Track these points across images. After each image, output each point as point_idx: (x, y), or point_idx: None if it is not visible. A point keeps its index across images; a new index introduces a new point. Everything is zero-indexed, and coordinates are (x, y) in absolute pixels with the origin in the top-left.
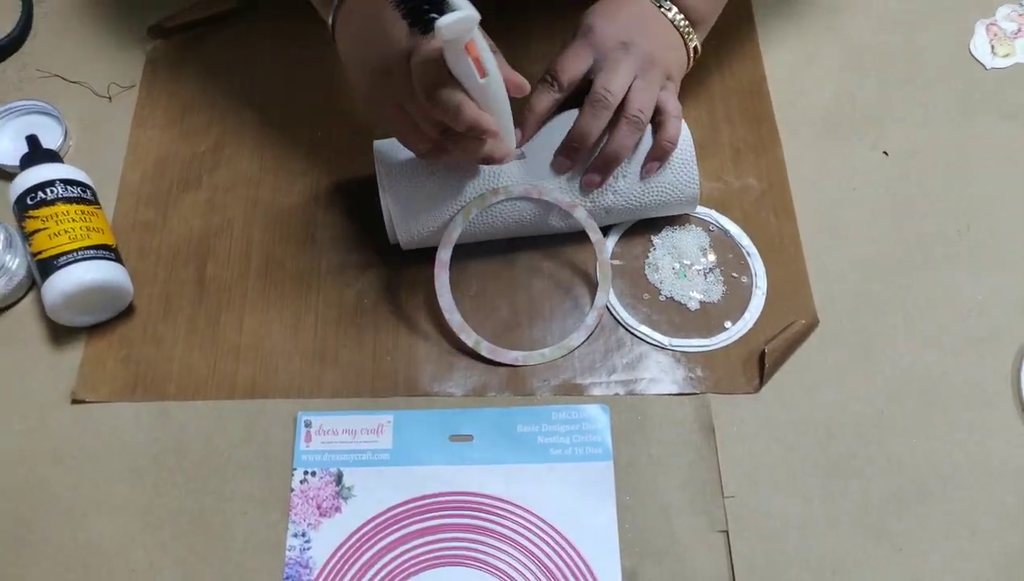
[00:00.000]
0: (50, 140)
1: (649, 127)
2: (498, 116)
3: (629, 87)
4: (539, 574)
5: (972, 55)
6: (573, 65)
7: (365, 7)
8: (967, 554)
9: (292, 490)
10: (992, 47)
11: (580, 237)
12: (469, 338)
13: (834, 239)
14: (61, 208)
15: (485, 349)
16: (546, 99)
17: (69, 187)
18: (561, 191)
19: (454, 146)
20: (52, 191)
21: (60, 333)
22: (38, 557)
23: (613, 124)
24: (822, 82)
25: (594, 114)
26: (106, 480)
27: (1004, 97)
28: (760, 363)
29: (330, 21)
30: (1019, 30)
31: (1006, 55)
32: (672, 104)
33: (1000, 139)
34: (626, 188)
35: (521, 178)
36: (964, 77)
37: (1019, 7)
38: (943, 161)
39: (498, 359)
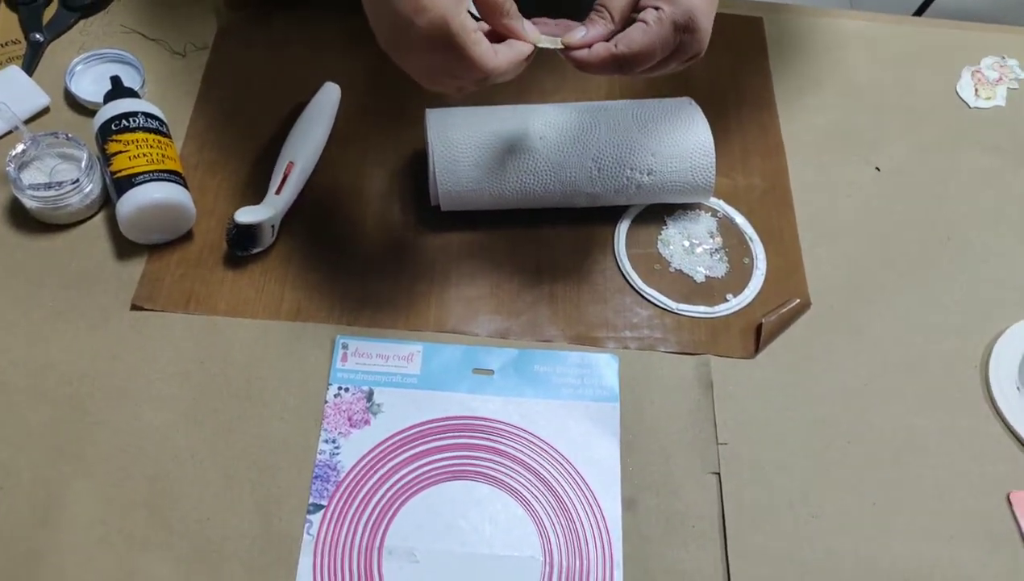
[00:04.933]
0: (129, 84)
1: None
2: None
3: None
4: (547, 494)
5: (958, 95)
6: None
7: None
8: (934, 513)
9: (326, 402)
10: (976, 90)
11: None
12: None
13: (827, 236)
14: (141, 135)
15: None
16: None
17: (149, 119)
18: (591, 182)
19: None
20: (134, 120)
21: (125, 249)
22: (95, 437)
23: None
24: (823, 105)
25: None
26: (157, 378)
27: (984, 133)
28: (757, 333)
29: None
30: (1000, 78)
31: (988, 98)
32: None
33: (979, 168)
34: (649, 183)
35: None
36: (950, 113)
37: (1001, 59)
38: (928, 181)
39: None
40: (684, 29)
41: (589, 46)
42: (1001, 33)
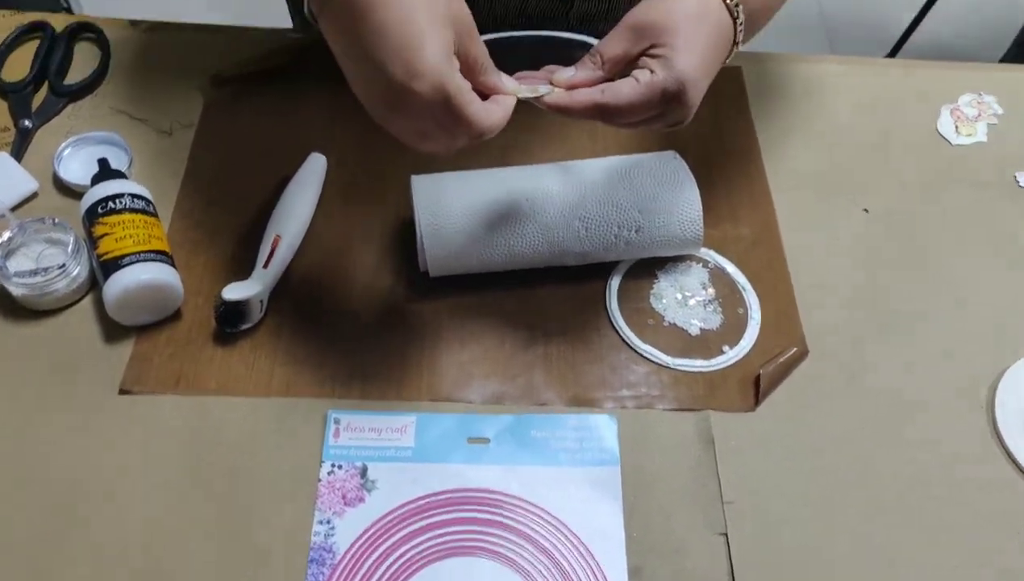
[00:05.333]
0: (117, 165)
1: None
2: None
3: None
4: (551, 567)
5: (939, 133)
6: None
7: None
8: (949, 561)
9: (320, 481)
10: (956, 127)
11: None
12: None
13: (821, 281)
14: (128, 216)
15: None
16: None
17: (135, 200)
18: (579, 241)
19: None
20: (121, 202)
21: (112, 332)
22: (84, 527)
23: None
24: (807, 150)
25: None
26: (146, 463)
27: (968, 169)
28: (756, 385)
29: (307, 7)
30: (979, 115)
31: (969, 134)
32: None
33: (967, 205)
34: (638, 240)
35: (546, 225)
36: (932, 151)
37: (978, 96)
38: (917, 221)
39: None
40: (672, 98)
41: (574, 88)
42: (976, 71)
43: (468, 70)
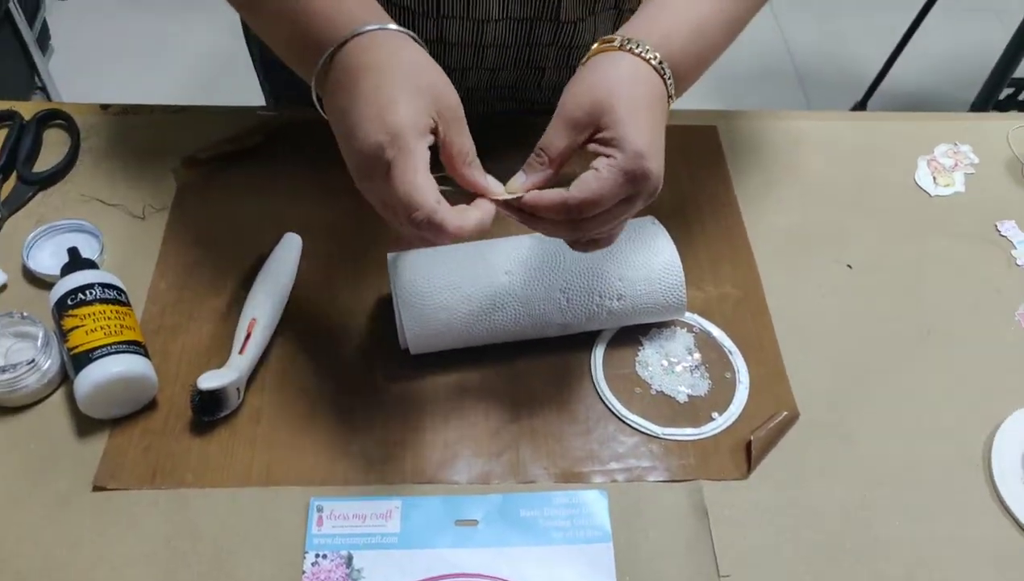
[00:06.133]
0: (88, 253)
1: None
2: None
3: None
4: None
5: (917, 184)
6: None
7: (356, 89)
8: None
9: (304, 573)
10: (934, 178)
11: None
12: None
13: (808, 341)
14: (98, 308)
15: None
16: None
17: (106, 290)
18: (561, 313)
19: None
20: (91, 293)
21: (85, 426)
22: None
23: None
24: (786, 207)
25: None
26: (121, 564)
27: (948, 220)
28: (747, 451)
29: (314, 94)
30: (956, 165)
31: (947, 185)
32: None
33: (949, 256)
34: (620, 308)
35: (523, 296)
36: (912, 203)
37: (954, 146)
38: (901, 275)
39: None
40: (637, 175)
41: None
42: (949, 121)
43: (451, 160)
